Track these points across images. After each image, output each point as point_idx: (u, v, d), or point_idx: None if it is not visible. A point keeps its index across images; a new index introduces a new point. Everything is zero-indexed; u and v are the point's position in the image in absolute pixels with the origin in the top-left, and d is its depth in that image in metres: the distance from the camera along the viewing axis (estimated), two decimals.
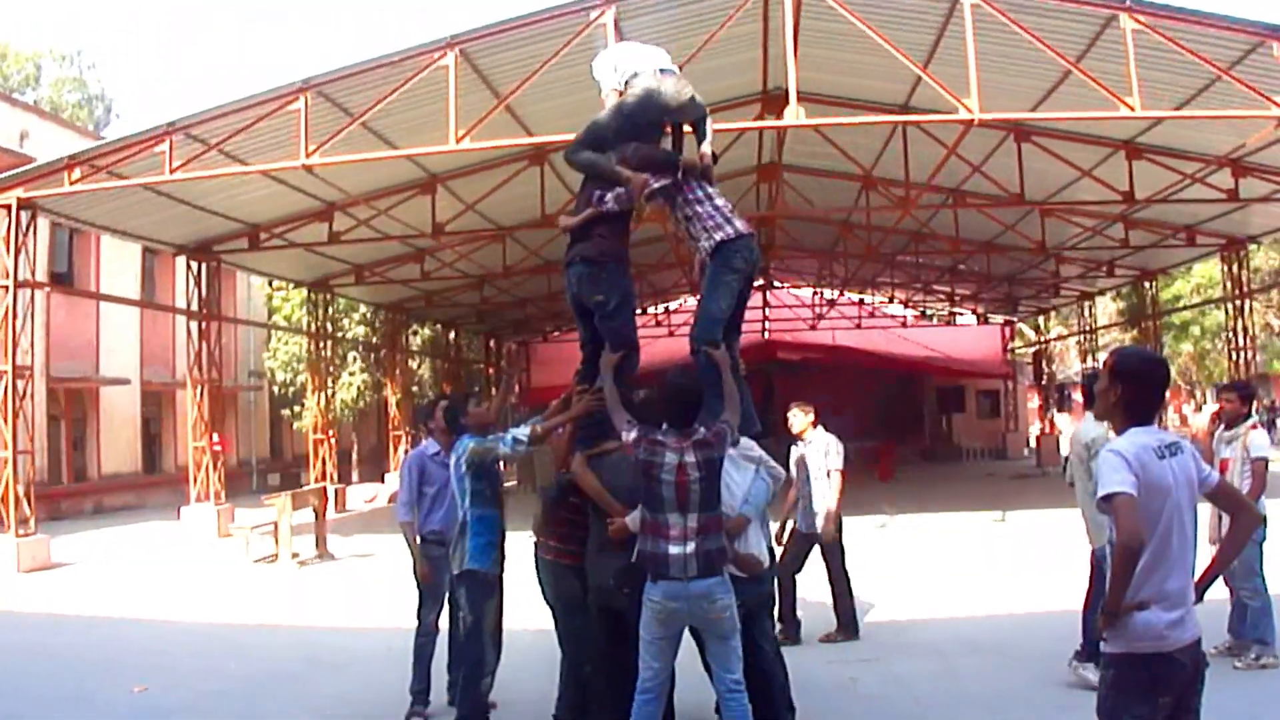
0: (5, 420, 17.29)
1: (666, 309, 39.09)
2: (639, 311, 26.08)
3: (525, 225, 22.74)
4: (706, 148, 7.37)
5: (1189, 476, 4.54)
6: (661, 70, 7.42)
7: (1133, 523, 4.23)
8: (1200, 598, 4.64)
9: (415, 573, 8.35)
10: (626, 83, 7.36)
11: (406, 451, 32.32)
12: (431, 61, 14.80)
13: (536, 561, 7.30)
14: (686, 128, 7.65)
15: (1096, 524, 7.87)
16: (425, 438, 8.71)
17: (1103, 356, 36.58)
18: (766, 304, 35.68)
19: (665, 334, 32.90)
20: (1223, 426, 9.40)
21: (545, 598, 7.33)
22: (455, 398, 8.04)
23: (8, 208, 17.35)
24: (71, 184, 16.91)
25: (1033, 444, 39.91)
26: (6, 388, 17.32)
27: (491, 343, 42.25)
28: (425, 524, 8.36)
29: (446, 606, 8.14)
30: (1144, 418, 4.60)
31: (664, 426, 6.18)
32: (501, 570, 7.46)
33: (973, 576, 14.24)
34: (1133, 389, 4.60)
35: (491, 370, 41.51)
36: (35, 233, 18.37)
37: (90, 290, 26.89)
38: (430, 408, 8.70)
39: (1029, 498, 24.48)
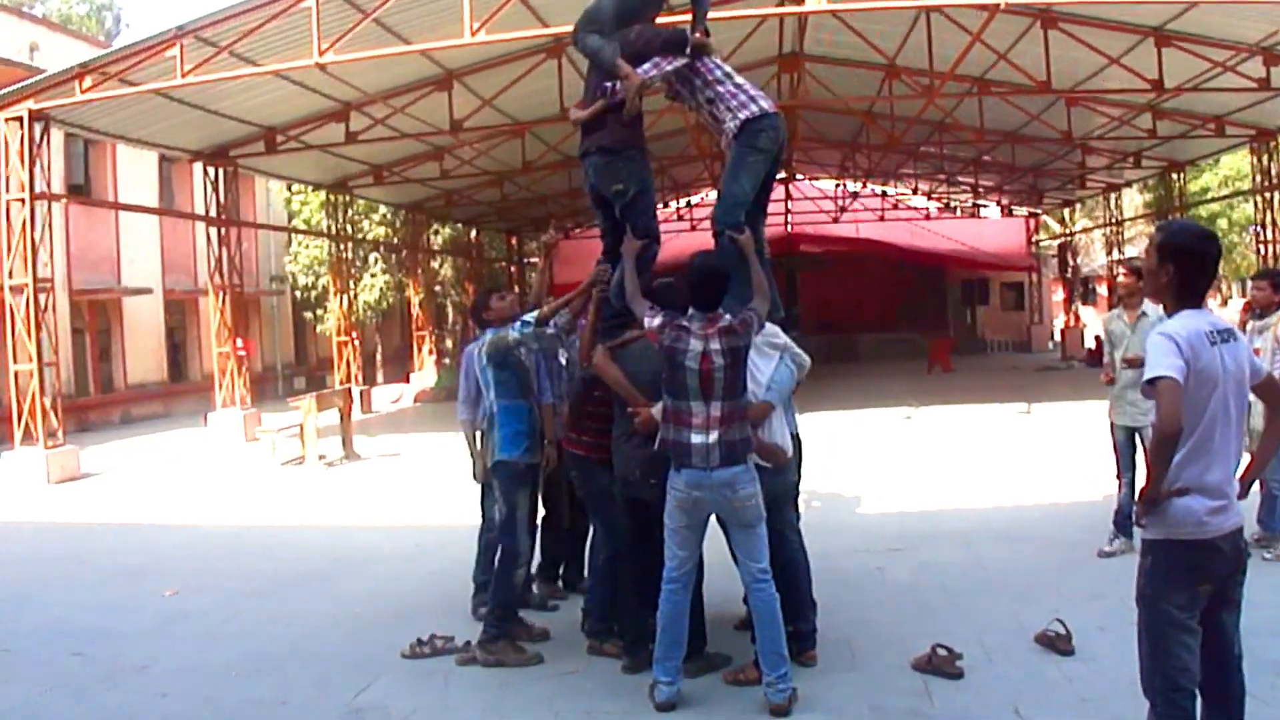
0: (29, 333, 17.28)
1: (688, 203, 38.72)
2: (660, 205, 25.81)
3: (544, 120, 22.42)
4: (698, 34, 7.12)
5: (1240, 366, 4.37)
6: None
7: (1174, 408, 4.09)
8: (1245, 493, 4.53)
9: (474, 472, 8.20)
10: None
11: (431, 351, 32.48)
12: None
13: (566, 456, 7.26)
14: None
15: None
16: (478, 331, 8.44)
17: (1130, 250, 36.50)
18: (789, 196, 35.34)
19: (687, 228, 32.55)
20: (1254, 316, 9.23)
21: (576, 492, 7.32)
22: (479, 295, 7.90)
23: (20, 119, 17.15)
24: (83, 93, 16.70)
25: (1057, 337, 39.72)
26: (29, 301, 17.28)
27: (514, 240, 42.00)
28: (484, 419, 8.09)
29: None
30: (1197, 298, 4.42)
31: (689, 312, 6.06)
32: (535, 460, 7.42)
33: (999, 468, 14.22)
34: (1185, 267, 4.37)
35: (513, 269, 41.38)
36: (49, 144, 18.22)
37: (108, 200, 26.75)
38: (485, 298, 8.43)
39: (1054, 390, 24.46)
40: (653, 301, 6.22)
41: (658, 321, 6.03)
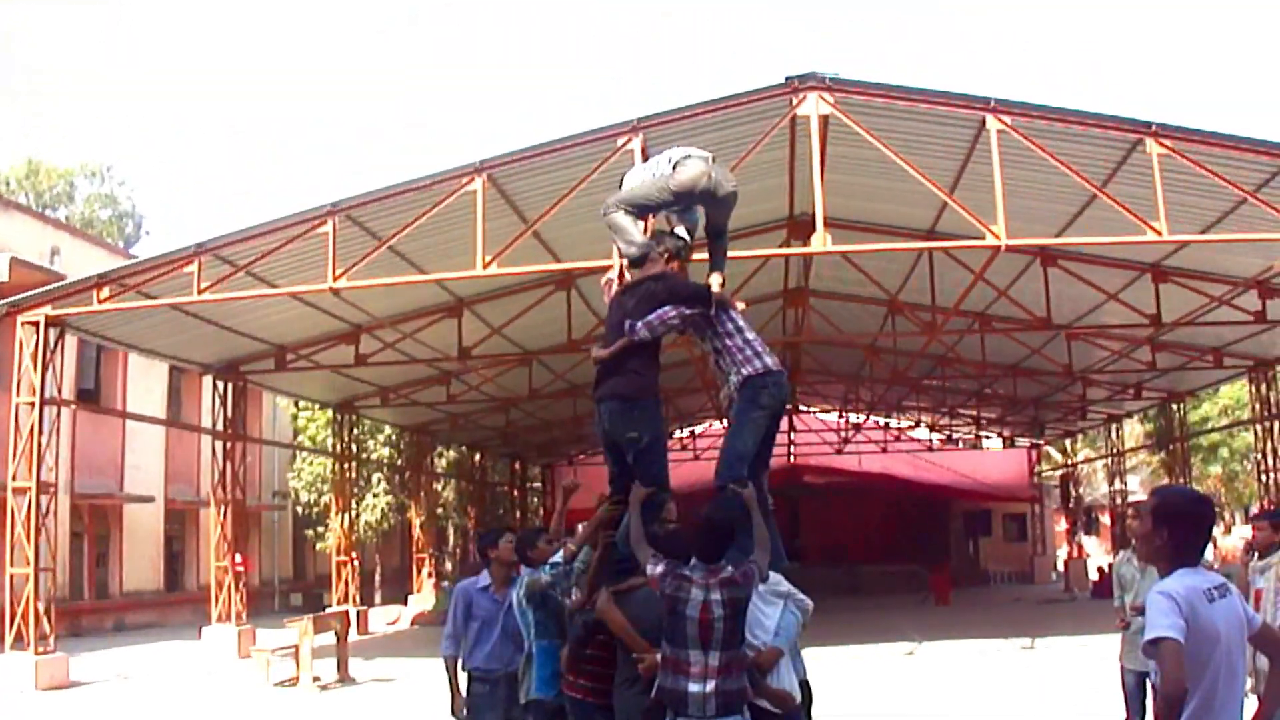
0: (28, 537, 17.20)
1: (692, 433, 38.92)
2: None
3: (551, 350, 22.75)
4: (716, 280, 7.30)
5: (1239, 619, 4.37)
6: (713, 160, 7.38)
7: (1178, 670, 4.07)
8: None
9: (452, 709, 8.00)
10: (676, 164, 7.30)
11: (431, 574, 32.20)
12: (459, 186, 14.94)
13: (566, 701, 7.17)
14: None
15: None
16: (484, 566, 8.25)
17: (1132, 479, 36.53)
18: (792, 428, 35.59)
19: (690, 458, 32.70)
20: (1255, 556, 9.21)
21: None
22: (528, 533, 7.86)
23: (36, 324, 17.49)
24: (100, 303, 17.04)
25: (1060, 568, 39.40)
26: (30, 504, 17.27)
27: (517, 465, 42.08)
28: (470, 659, 7.96)
29: None
30: (1191, 559, 4.44)
31: (691, 561, 6.07)
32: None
33: (1003, 707, 13.93)
34: (1179, 530, 4.41)
35: (516, 493, 41.32)
36: (63, 350, 18.51)
37: (116, 408, 27.00)
38: (493, 538, 8.28)
39: (1058, 623, 24.11)
40: (656, 549, 6.24)
41: (660, 569, 6.04)
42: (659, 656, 6.09)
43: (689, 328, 7.11)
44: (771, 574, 6.52)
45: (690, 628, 5.85)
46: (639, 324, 6.83)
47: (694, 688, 5.84)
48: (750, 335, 6.96)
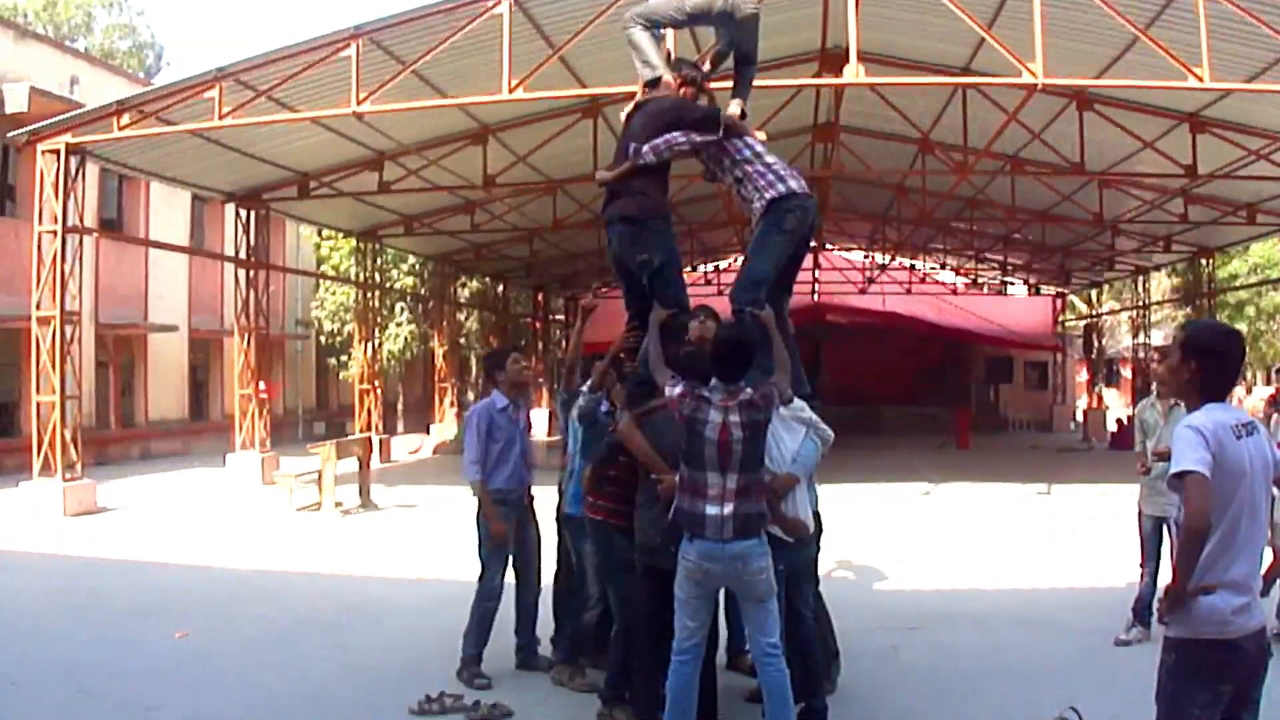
0: (54, 365, 17.33)
1: (716, 267, 38.84)
2: (688, 269, 25.81)
3: (577, 179, 22.54)
4: (736, 106, 7.12)
5: (1265, 459, 4.34)
6: None
7: (1203, 504, 4.04)
8: (1267, 590, 4.48)
9: (482, 533, 8.01)
10: None
11: (453, 403, 32.45)
12: (485, 10, 14.56)
13: (586, 522, 7.22)
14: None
15: None
16: (494, 389, 8.24)
17: (1155, 334, 36.37)
18: (817, 265, 35.35)
19: (714, 292, 32.61)
20: (1278, 409, 9.14)
21: (595, 559, 7.30)
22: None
23: (56, 152, 17.31)
24: (120, 130, 16.80)
25: (1079, 418, 39.53)
26: (55, 333, 17.34)
27: (540, 297, 42.14)
28: (490, 480, 7.95)
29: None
30: (1219, 394, 4.39)
31: (711, 383, 6.02)
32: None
33: (1017, 549, 14.07)
34: (1208, 365, 4.36)
35: (538, 325, 41.43)
36: (84, 179, 18.39)
37: (139, 237, 26.96)
38: (500, 358, 8.30)
39: (1074, 471, 24.26)
40: (676, 371, 6.20)
41: (678, 391, 6.00)
42: (677, 478, 6.09)
43: (703, 158, 6.97)
44: (795, 400, 6.49)
45: (709, 450, 5.84)
46: (645, 148, 6.71)
47: (711, 510, 5.85)
48: (771, 159, 6.81)
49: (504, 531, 7.91)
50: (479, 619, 7.98)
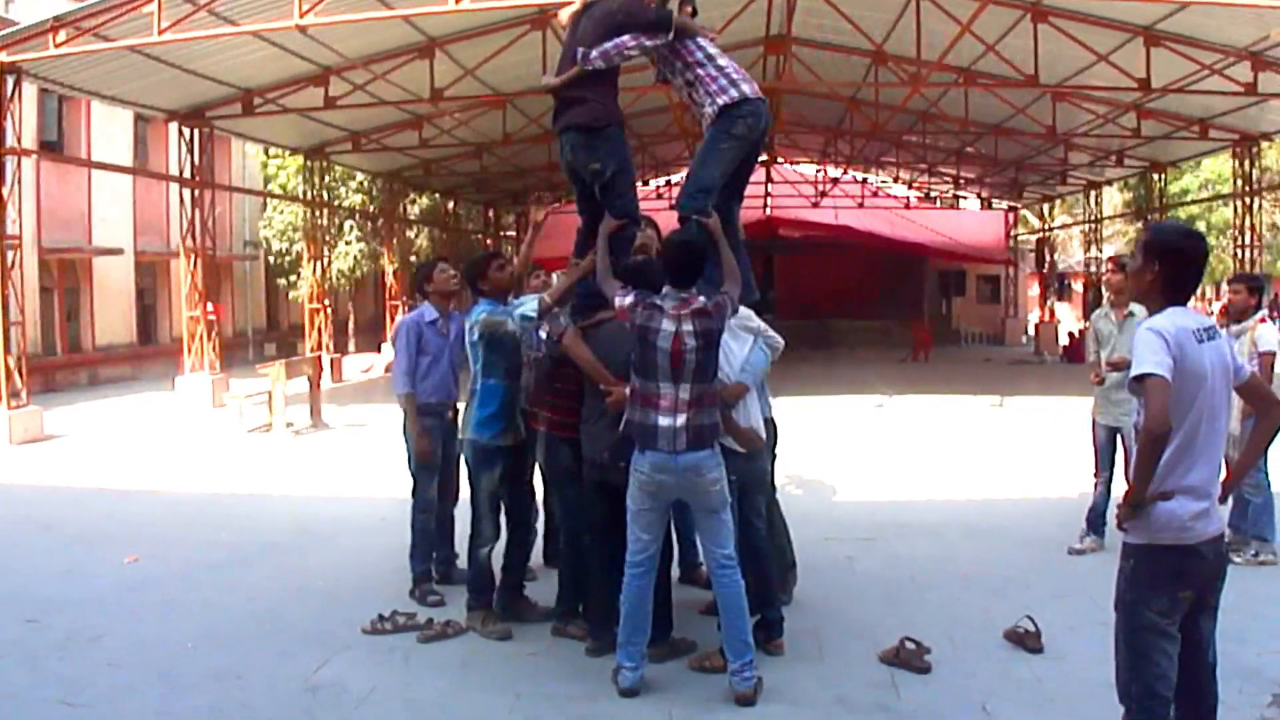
0: None
1: (669, 181, 38.50)
2: (640, 183, 25.75)
3: (526, 92, 22.22)
4: (685, 7, 6.93)
5: (1225, 364, 4.31)
6: None
7: (1163, 407, 4.00)
8: (1225, 497, 4.46)
9: (410, 446, 7.98)
10: None
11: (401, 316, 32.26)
12: None
13: (529, 432, 7.14)
14: None
15: None
16: (421, 301, 8.27)
17: (1107, 248, 36.53)
18: (769, 180, 35.20)
19: (665, 206, 32.41)
20: (1230, 320, 9.15)
21: (540, 469, 7.22)
22: (477, 259, 7.69)
23: None
24: (56, 47, 16.29)
25: (1031, 331, 39.85)
26: None
27: (491, 212, 41.77)
28: (418, 393, 7.91)
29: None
30: (1182, 297, 4.34)
31: (664, 291, 5.93)
32: (505, 443, 7.18)
33: (971, 460, 14.19)
34: (1171, 266, 4.30)
35: (489, 241, 41.16)
36: (20, 99, 17.85)
37: (81, 158, 26.42)
38: (428, 269, 8.26)
39: (1027, 385, 24.49)
40: (625, 281, 6.10)
41: (629, 300, 5.91)
42: (627, 390, 6.02)
43: (654, 60, 6.82)
44: (742, 309, 6.42)
45: (661, 359, 5.77)
46: (594, 53, 6.54)
47: (664, 421, 5.79)
48: (723, 62, 6.66)
49: (428, 447, 7.88)
50: (419, 532, 7.97)
